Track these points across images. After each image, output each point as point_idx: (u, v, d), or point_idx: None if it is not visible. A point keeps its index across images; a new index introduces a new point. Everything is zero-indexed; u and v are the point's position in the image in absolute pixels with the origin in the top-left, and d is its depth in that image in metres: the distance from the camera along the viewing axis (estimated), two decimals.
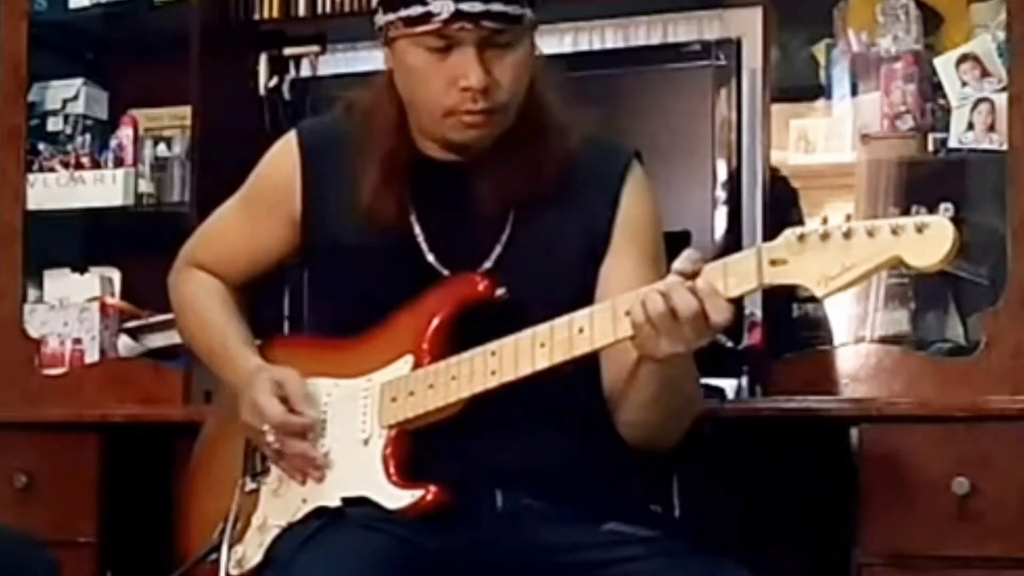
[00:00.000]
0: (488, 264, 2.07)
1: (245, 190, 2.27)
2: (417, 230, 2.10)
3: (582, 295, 2.00)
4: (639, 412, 2.00)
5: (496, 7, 1.97)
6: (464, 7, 1.96)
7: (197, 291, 2.27)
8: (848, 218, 1.78)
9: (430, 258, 2.09)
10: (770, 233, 2.73)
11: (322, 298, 2.23)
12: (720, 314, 1.81)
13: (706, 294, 1.81)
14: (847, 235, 1.73)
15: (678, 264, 1.84)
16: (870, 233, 1.72)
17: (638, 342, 1.87)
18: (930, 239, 1.70)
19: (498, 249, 2.08)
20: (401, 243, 2.09)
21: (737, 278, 1.80)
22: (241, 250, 2.25)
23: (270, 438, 2.05)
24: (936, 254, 1.70)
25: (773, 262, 1.78)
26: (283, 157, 2.20)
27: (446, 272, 2.08)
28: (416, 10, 1.98)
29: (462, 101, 2.00)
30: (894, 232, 1.71)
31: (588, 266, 2.07)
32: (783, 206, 2.89)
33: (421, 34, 1.99)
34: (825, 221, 1.77)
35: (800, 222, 2.85)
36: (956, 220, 1.73)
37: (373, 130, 2.10)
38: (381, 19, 2.05)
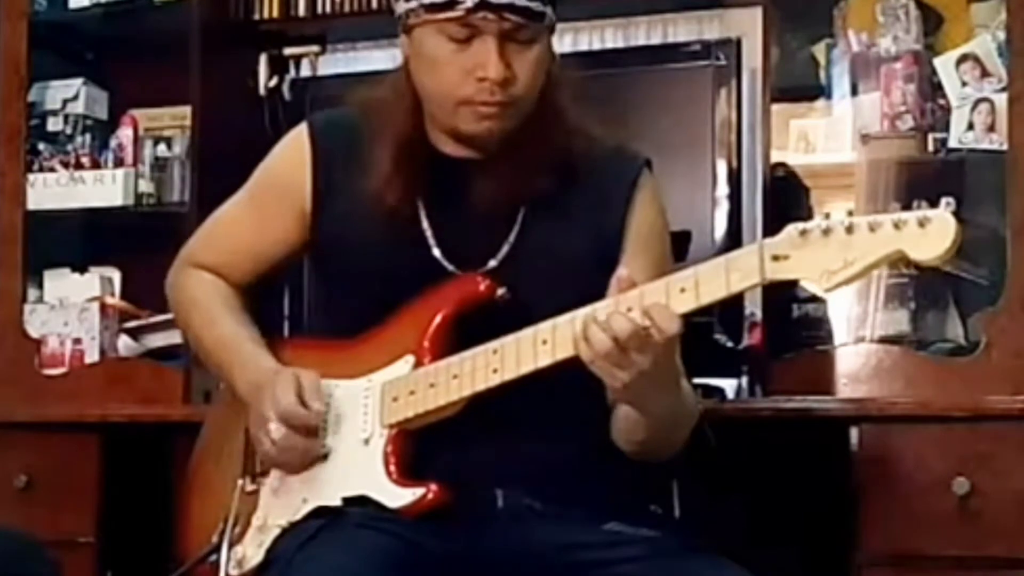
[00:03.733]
0: (494, 262, 2.08)
1: (252, 184, 2.25)
2: (425, 224, 2.10)
3: (588, 297, 1.98)
4: (628, 446, 2.03)
5: (520, 1, 1.98)
6: None
7: (202, 291, 2.25)
8: (850, 215, 1.77)
9: (436, 253, 2.09)
10: (770, 233, 2.74)
11: (327, 292, 2.22)
12: (668, 322, 1.81)
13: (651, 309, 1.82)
14: (849, 230, 1.73)
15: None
16: (872, 227, 1.71)
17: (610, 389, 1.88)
18: (932, 233, 1.69)
19: (505, 247, 2.08)
20: (408, 237, 2.09)
21: (739, 274, 1.80)
22: (247, 246, 2.23)
23: (272, 426, 2.02)
24: (938, 248, 1.69)
25: (775, 257, 1.77)
26: (293, 149, 2.19)
27: (451, 268, 2.08)
28: None
29: (478, 92, 2.01)
30: (896, 226, 1.70)
31: (596, 269, 2.05)
32: (783, 206, 2.88)
33: (444, 21, 2.00)
34: (827, 217, 1.76)
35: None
36: (956, 218, 1.72)
37: (388, 120, 2.10)
38: (402, 6, 2.05)
